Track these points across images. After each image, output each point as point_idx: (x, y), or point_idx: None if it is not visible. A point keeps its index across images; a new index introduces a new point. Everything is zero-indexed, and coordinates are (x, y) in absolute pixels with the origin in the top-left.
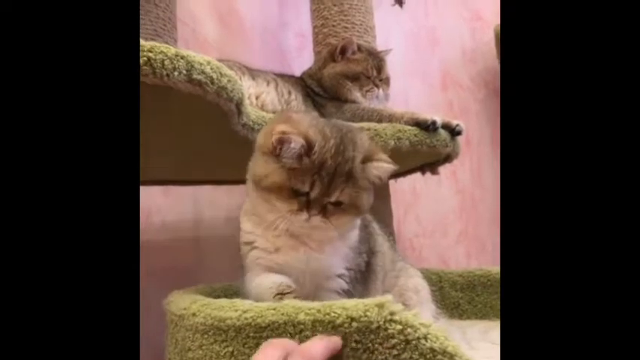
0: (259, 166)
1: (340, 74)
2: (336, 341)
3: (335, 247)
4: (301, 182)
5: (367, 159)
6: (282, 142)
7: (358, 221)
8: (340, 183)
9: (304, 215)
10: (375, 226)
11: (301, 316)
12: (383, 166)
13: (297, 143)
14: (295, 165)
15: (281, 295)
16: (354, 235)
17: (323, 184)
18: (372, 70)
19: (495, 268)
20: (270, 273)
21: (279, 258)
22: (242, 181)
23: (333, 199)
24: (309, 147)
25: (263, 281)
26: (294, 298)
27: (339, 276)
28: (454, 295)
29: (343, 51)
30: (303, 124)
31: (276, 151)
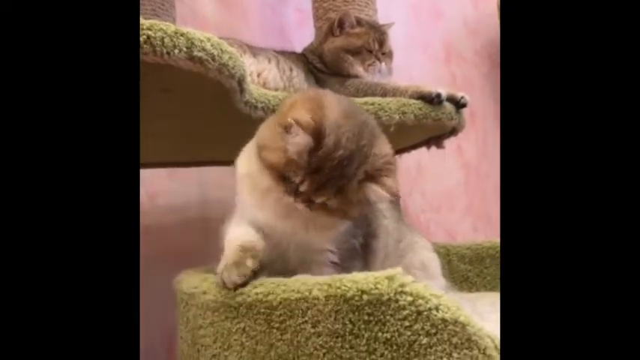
0: (268, 132)
1: (340, 48)
2: None
3: (319, 232)
4: (294, 174)
5: (371, 178)
6: (291, 127)
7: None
8: (329, 192)
9: (290, 199)
10: (383, 207)
11: (315, 292)
12: (380, 193)
13: (302, 139)
14: (295, 156)
15: (244, 251)
16: (343, 226)
17: (312, 186)
18: (373, 43)
19: None
20: (248, 227)
21: (260, 218)
22: None
23: (319, 200)
24: (315, 147)
25: (235, 232)
26: (257, 263)
27: (327, 250)
28: (463, 268)
29: (341, 24)
30: (328, 118)
31: (287, 130)
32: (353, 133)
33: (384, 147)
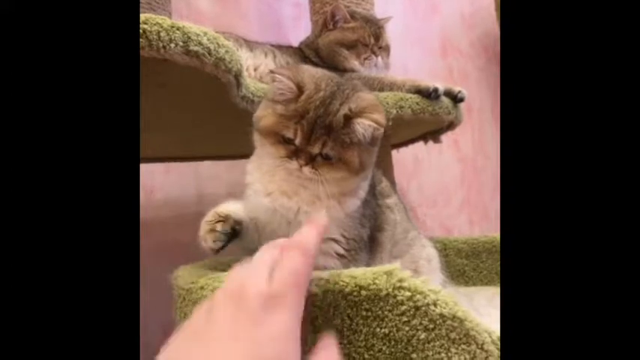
0: (260, 109)
1: (335, 42)
2: (323, 223)
3: (328, 207)
4: (286, 128)
5: (356, 115)
6: (274, 81)
7: (359, 190)
8: (321, 135)
9: (295, 164)
10: (390, 202)
11: (312, 288)
12: (365, 122)
13: (285, 85)
14: (282, 111)
15: (215, 217)
16: (353, 203)
17: (304, 133)
18: (369, 37)
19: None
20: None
21: (270, 202)
22: (243, 156)
23: (315, 150)
24: (298, 93)
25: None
26: (227, 227)
27: (333, 239)
28: (459, 263)
29: (333, 17)
30: (304, 73)
31: (273, 93)
32: (332, 80)
33: (368, 95)
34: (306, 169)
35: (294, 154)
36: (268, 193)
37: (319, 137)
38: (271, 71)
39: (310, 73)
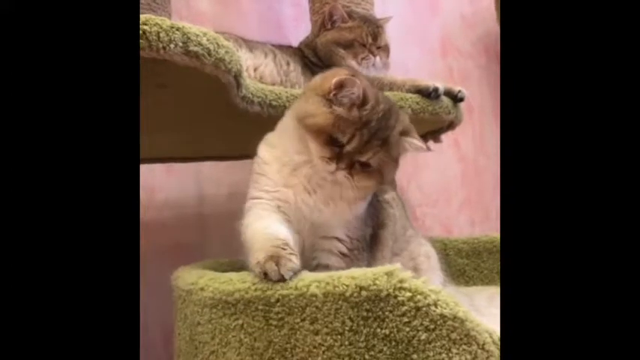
0: (309, 104)
1: (332, 42)
2: None
3: (340, 209)
4: (342, 132)
5: (404, 133)
6: (343, 85)
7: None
8: (376, 146)
9: (332, 166)
10: (388, 197)
11: (312, 289)
12: (415, 143)
13: (358, 90)
14: (344, 114)
15: (286, 247)
16: (361, 207)
17: (361, 141)
18: (366, 37)
19: None
20: (273, 219)
21: (287, 195)
22: (243, 157)
23: (364, 158)
24: (363, 101)
25: (268, 226)
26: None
27: (338, 239)
28: (460, 262)
29: (331, 17)
30: (365, 81)
31: (330, 94)
32: (383, 95)
33: (404, 113)
34: (340, 174)
35: (336, 157)
36: (286, 185)
37: (373, 147)
38: (348, 77)
39: (369, 83)
